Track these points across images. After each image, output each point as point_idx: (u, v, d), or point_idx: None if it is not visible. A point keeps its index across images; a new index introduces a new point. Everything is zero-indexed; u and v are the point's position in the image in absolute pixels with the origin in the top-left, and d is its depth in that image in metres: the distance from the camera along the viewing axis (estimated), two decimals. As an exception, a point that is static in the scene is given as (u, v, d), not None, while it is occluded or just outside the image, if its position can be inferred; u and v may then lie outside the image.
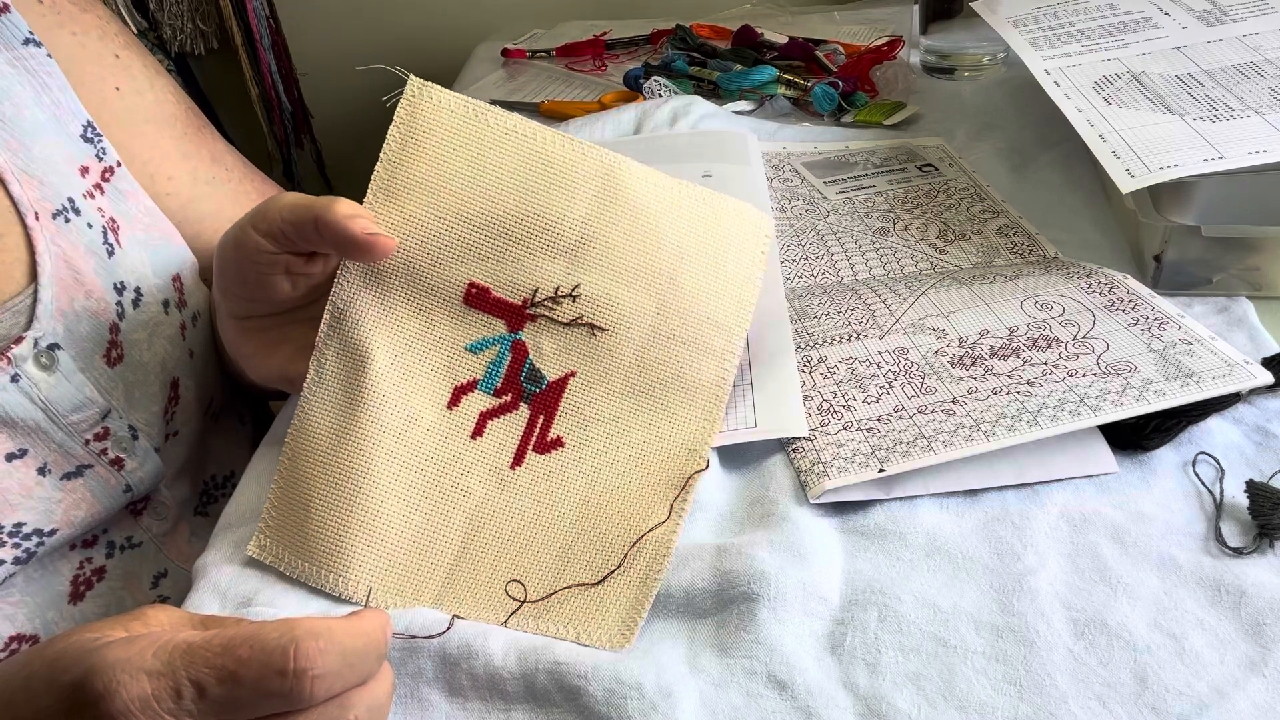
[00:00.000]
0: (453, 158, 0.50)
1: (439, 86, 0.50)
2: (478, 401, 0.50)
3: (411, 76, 0.51)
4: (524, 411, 0.51)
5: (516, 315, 0.50)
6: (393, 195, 0.49)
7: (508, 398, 0.51)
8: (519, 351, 0.51)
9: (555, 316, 0.50)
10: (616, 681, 0.41)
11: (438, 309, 0.50)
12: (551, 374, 0.51)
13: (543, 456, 0.50)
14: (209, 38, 1.30)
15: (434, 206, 0.49)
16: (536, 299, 0.50)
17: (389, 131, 0.50)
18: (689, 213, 0.53)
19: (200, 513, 0.68)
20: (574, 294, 0.50)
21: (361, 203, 0.49)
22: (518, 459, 0.50)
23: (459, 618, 0.45)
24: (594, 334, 0.50)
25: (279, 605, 0.47)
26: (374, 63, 0.51)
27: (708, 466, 0.50)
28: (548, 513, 0.49)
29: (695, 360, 0.51)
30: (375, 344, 0.49)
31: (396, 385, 0.49)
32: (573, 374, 0.51)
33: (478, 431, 0.50)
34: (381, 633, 0.37)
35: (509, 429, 0.50)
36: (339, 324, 0.50)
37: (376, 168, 0.50)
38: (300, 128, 1.35)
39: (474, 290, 0.50)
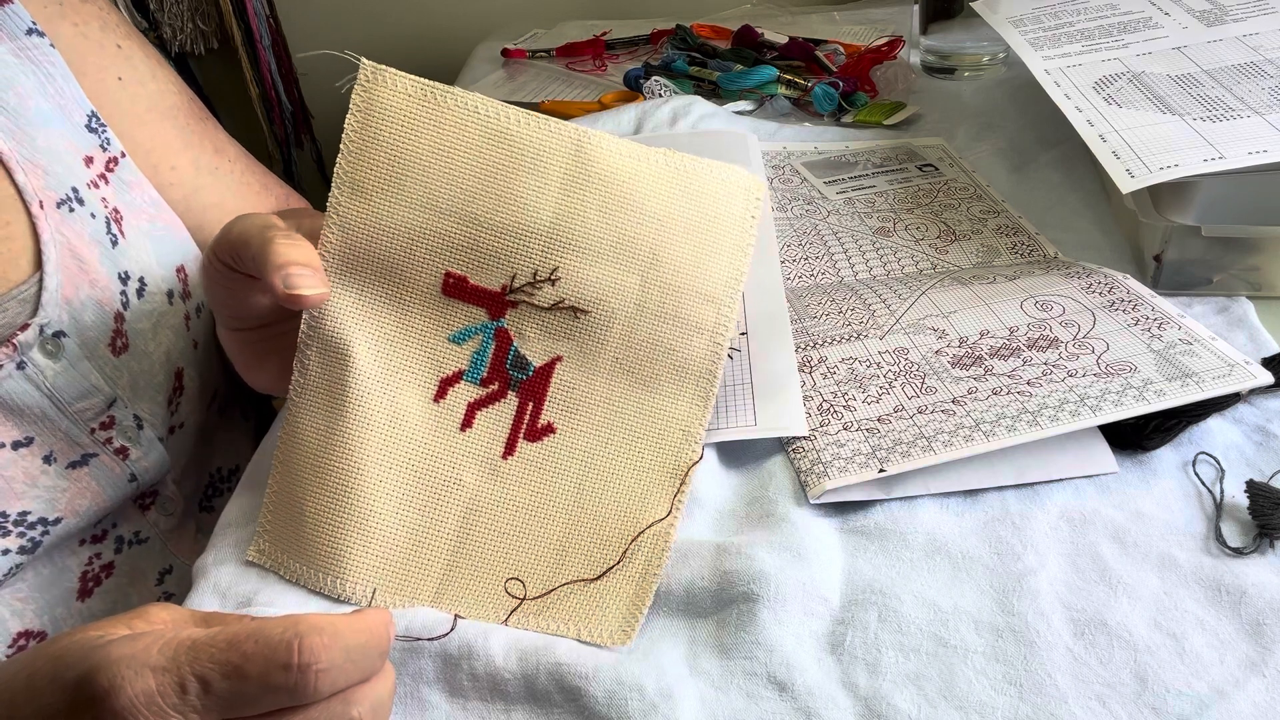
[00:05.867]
0: (414, 143, 0.48)
1: (393, 69, 0.48)
2: (465, 392, 0.50)
3: (364, 60, 0.48)
4: (512, 399, 0.50)
5: (497, 302, 0.49)
6: (357, 188, 0.48)
7: (495, 386, 0.50)
8: (503, 339, 0.50)
9: (535, 302, 0.49)
10: (617, 683, 0.41)
11: (416, 301, 0.49)
12: (537, 359, 0.50)
13: (534, 444, 0.50)
14: (209, 37, 1.30)
15: (400, 196, 0.48)
16: (515, 285, 0.49)
17: (346, 120, 0.48)
18: (668, 182, 0.50)
19: (205, 508, 0.68)
20: (552, 278, 0.49)
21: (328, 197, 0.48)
22: (509, 448, 0.50)
23: (460, 617, 0.45)
24: (577, 317, 0.49)
25: (279, 604, 0.47)
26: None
27: (702, 456, 0.50)
28: (543, 502, 0.49)
29: (685, 337, 0.50)
30: (356, 342, 0.48)
31: (381, 382, 0.49)
32: (559, 358, 0.50)
33: (467, 423, 0.50)
34: (384, 629, 0.37)
35: (498, 418, 0.50)
36: (318, 324, 0.49)
37: (338, 160, 0.48)
38: (300, 128, 1.35)
39: (451, 280, 0.49)
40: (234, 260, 0.47)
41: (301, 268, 0.45)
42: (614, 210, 0.49)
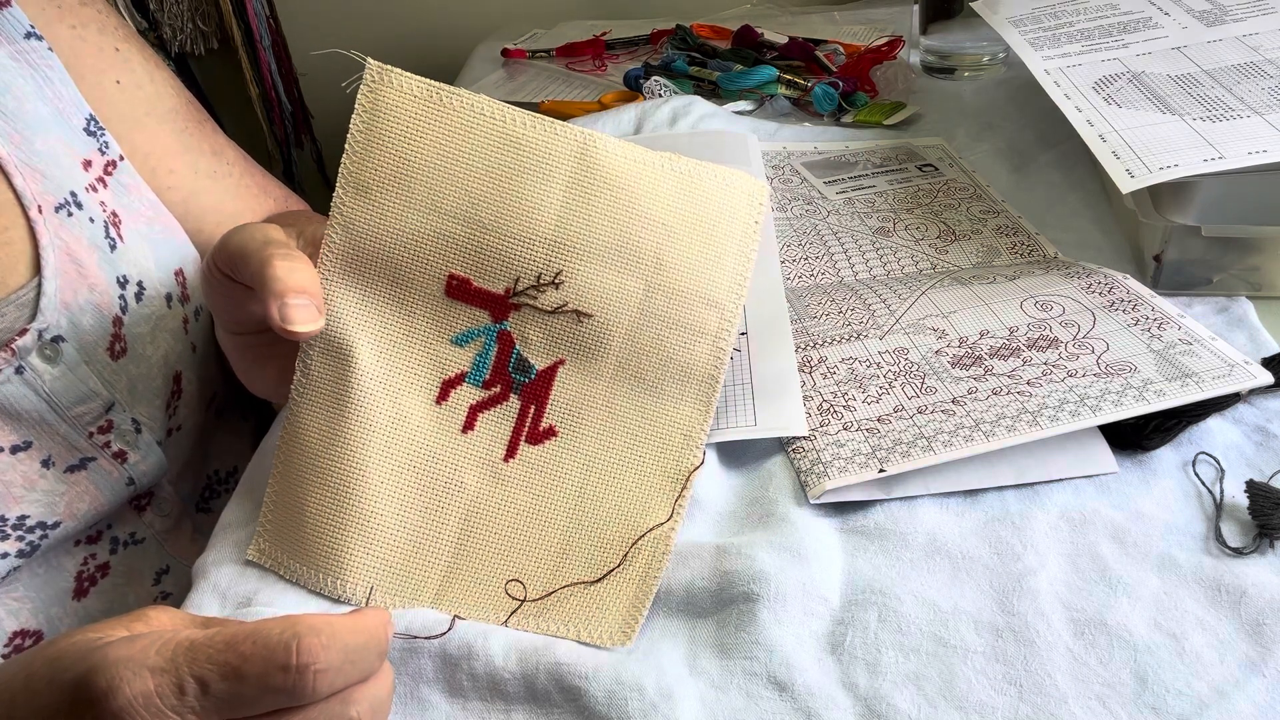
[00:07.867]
0: (420, 145, 0.48)
1: (399, 70, 0.48)
2: (467, 395, 0.50)
3: (370, 60, 0.48)
4: (514, 402, 0.50)
5: (500, 305, 0.49)
6: (362, 189, 0.48)
7: (497, 389, 0.50)
8: (505, 342, 0.50)
9: (539, 305, 0.49)
10: (617, 682, 0.41)
11: (419, 303, 0.49)
12: (540, 363, 0.50)
13: (536, 447, 0.50)
14: (209, 38, 1.30)
15: (405, 197, 0.48)
16: (519, 288, 0.49)
17: (351, 120, 0.48)
18: (672, 187, 0.50)
19: (203, 509, 0.68)
20: (556, 281, 0.49)
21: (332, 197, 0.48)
22: (510, 451, 0.50)
23: (459, 618, 0.45)
24: (580, 320, 0.49)
25: (279, 605, 0.47)
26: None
27: (704, 461, 0.50)
28: (544, 505, 0.49)
29: (688, 341, 0.50)
30: (359, 343, 0.48)
31: (383, 383, 0.49)
32: (561, 362, 0.50)
33: (468, 425, 0.49)
34: (383, 630, 0.37)
35: (500, 421, 0.50)
36: None
37: (343, 160, 0.48)
38: (300, 128, 1.35)
39: (454, 282, 0.49)
40: (232, 272, 0.47)
41: (298, 296, 0.44)
42: (618, 214, 0.49)
